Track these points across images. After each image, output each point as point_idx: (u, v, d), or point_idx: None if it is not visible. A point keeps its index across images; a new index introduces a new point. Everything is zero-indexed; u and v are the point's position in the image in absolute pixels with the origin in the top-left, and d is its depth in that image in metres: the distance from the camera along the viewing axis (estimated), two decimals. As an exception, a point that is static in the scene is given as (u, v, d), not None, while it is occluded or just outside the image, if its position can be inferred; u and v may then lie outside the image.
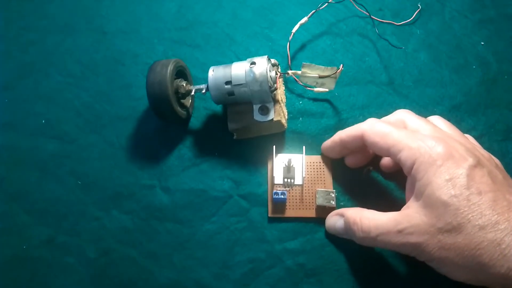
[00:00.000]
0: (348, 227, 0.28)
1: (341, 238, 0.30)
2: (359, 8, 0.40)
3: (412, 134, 0.26)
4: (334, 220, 0.30)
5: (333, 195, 0.31)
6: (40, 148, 0.36)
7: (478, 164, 0.24)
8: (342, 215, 0.29)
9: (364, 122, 0.29)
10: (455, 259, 0.22)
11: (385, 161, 0.32)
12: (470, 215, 0.22)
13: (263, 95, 0.31)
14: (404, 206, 0.26)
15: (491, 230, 0.22)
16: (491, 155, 0.28)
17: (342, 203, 0.32)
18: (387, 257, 0.30)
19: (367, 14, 0.39)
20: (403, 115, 0.30)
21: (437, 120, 0.30)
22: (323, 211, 0.31)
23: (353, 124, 0.35)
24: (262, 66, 0.30)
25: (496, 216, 0.22)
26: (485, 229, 0.22)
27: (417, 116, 0.29)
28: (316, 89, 0.34)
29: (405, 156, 0.25)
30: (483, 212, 0.22)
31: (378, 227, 0.25)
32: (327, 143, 0.32)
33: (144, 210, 0.33)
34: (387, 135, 0.27)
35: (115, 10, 0.42)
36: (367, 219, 0.26)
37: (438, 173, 0.23)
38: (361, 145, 0.29)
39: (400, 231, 0.24)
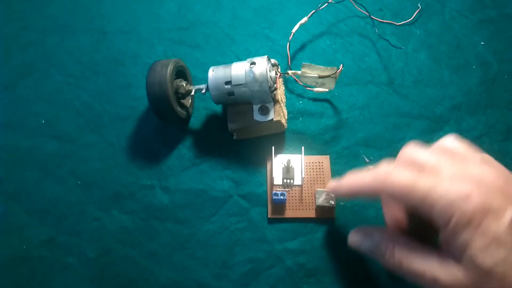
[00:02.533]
0: (377, 252, 0.25)
1: (341, 239, 0.30)
2: (359, 8, 0.40)
3: (440, 181, 0.22)
4: (359, 238, 0.27)
5: (332, 195, 0.31)
6: (40, 148, 0.36)
7: None
8: (370, 235, 0.26)
9: (378, 168, 0.25)
10: None
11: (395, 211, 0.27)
12: None
13: (263, 95, 0.31)
14: (444, 253, 0.22)
15: None
16: None
17: (342, 203, 0.32)
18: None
19: (367, 14, 0.39)
20: (408, 151, 0.26)
21: (452, 142, 0.26)
22: (323, 211, 0.31)
23: (353, 124, 0.35)
24: (262, 66, 0.30)
25: None
26: None
27: (428, 149, 0.25)
28: (316, 89, 0.34)
29: (437, 214, 0.22)
30: None
31: (413, 266, 0.23)
32: (338, 191, 0.28)
33: (144, 210, 0.33)
34: (412, 188, 0.22)
35: (115, 10, 0.42)
36: (403, 252, 0.24)
37: (477, 235, 0.20)
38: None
39: (435, 281, 0.22)
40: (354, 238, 0.27)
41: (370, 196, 0.26)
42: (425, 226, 0.25)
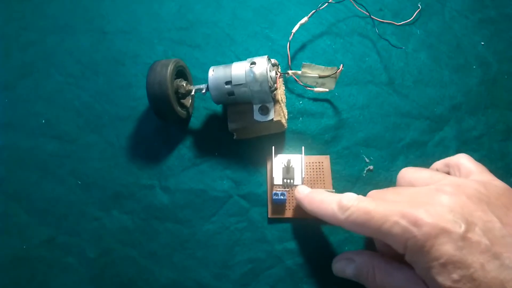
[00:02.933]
0: (360, 277, 0.26)
1: (341, 239, 0.30)
2: (359, 8, 0.40)
3: (394, 208, 0.23)
4: (342, 266, 0.28)
5: (333, 195, 0.31)
6: (40, 148, 0.36)
7: (469, 229, 0.21)
8: (351, 260, 0.27)
9: (342, 196, 0.25)
10: None
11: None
12: None
13: (263, 95, 0.31)
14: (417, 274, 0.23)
15: None
16: (487, 181, 0.24)
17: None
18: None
19: (367, 14, 0.39)
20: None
21: (437, 164, 0.28)
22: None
23: (353, 124, 0.35)
24: (262, 66, 0.30)
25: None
26: None
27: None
28: (316, 89, 0.34)
29: (392, 242, 0.22)
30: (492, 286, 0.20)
31: (392, 286, 0.24)
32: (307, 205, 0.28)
33: (144, 210, 0.33)
34: (370, 214, 0.23)
35: (115, 10, 0.42)
36: (380, 273, 0.24)
37: (431, 259, 0.21)
38: None
39: None
40: (337, 267, 0.28)
41: (333, 224, 0.26)
42: None
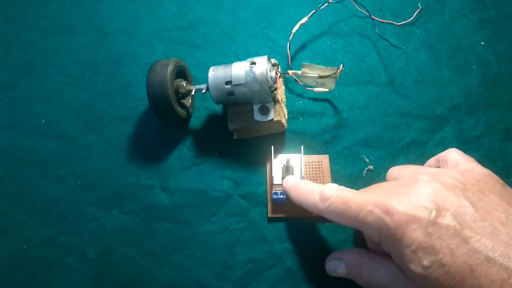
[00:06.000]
0: (350, 274, 0.27)
1: (341, 239, 0.30)
2: (359, 8, 0.40)
3: (371, 198, 0.23)
4: (334, 266, 0.28)
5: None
6: (40, 148, 0.36)
7: (439, 214, 0.21)
8: (341, 259, 0.28)
9: (324, 186, 0.26)
10: None
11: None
12: (451, 282, 0.20)
13: (263, 95, 0.31)
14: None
15: None
16: (465, 169, 0.25)
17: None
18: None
19: (367, 14, 0.39)
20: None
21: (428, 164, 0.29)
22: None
23: (353, 124, 0.35)
24: (262, 66, 0.30)
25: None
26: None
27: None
28: (316, 89, 0.34)
29: (367, 230, 0.23)
30: (462, 274, 0.20)
31: (378, 282, 0.24)
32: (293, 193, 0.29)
33: (144, 210, 0.33)
34: (348, 203, 0.24)
35: (115, 10, 0.42)
36: (367, 271, 0.25)
37: (403, 246, 0.21)
38: None
39: None
40: (329, 267, 0.29)
41: (316, 214, 0.26)
42: None
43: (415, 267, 0.21)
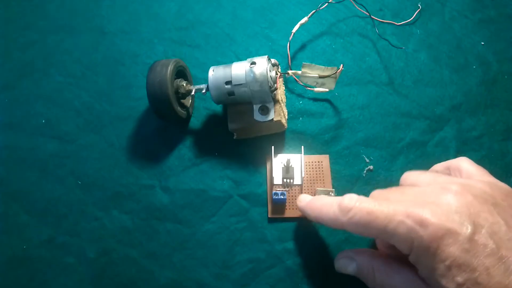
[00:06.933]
0: (361, 275, 0.26)
1: (341, 239, 0.30)
2: (359, 8, 0.40)
3: (399, 208, 0.22)
4: (344, 264, 0.27)
5: (332, 195, 0.31)
6: (40, 148, 0.36)
7: (476, 230, 0.20)
8: (353, 259, 0.27)
9: (342, 197, 0.24)
10: None
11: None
12: None
13: (263, 95, 0.31)
14: (418, 275, 0.22)
15: None
16: (493, 183, 0.24)
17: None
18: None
19: (367, 14, 0.39)
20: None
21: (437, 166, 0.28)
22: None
23: (353, 124, 0.35)
24: (262, 66, 0.30)
25: None
26: None
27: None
28: (316, 89, 0.34)
29: (397, 242, 0.22)
30: None
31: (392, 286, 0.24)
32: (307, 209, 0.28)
33: (144, 210, 0.33)
34: (374, 214, 0.22)
35: (115, 10, 0.42)
36: (380, 274, 0.24)
37: (436, 261, 0.20)
38: None
39: None
40: (339, 264, 0.28)
41: (336, 228, 0.25)
42: None
43: (448, 283, 0.20)
